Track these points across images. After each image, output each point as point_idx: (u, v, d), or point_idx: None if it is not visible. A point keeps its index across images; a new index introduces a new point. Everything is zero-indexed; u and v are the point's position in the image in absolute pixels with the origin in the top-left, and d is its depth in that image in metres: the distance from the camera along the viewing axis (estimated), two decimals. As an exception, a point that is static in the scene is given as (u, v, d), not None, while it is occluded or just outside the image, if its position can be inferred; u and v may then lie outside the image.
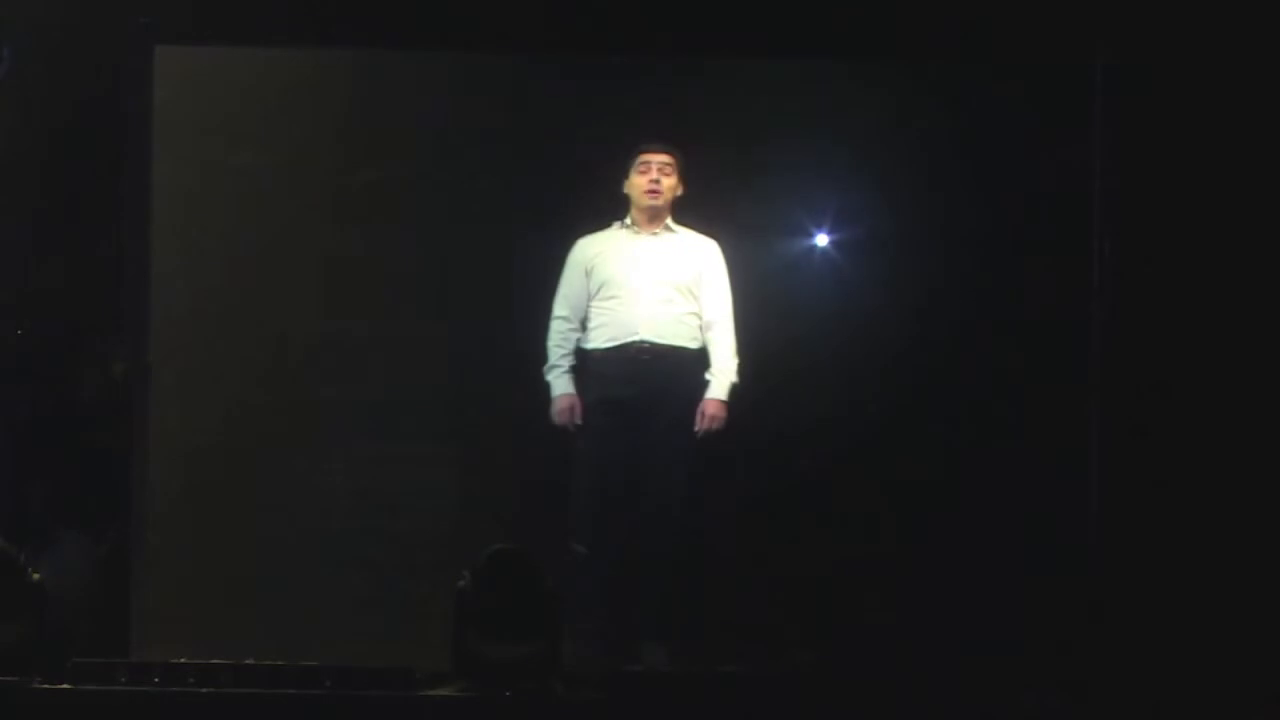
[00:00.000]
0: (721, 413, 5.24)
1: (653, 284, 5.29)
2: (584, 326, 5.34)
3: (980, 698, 4.48)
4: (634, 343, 5.25)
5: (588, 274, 5.34)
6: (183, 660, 4.16)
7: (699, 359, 5.30)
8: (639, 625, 5.19)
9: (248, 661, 4.16)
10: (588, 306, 5.34)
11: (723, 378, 5.27)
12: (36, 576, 4.24)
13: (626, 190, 5.38)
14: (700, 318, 5.30)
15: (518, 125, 5.69)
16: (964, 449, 5.59)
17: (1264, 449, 5.17)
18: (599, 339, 5.30)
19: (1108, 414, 5.36)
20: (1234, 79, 5.21)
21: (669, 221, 5.37)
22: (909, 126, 5.65)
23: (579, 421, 5.26)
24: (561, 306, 5.36)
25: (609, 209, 5.42)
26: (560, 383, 5.31)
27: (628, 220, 5.38)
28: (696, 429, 5.23)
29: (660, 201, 5.32)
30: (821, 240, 5.78)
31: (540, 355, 5.37)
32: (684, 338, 5.28)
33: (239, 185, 5.59)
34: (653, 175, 5.31)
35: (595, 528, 5.18)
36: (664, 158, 5.32)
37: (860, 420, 5.63)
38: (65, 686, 4.11)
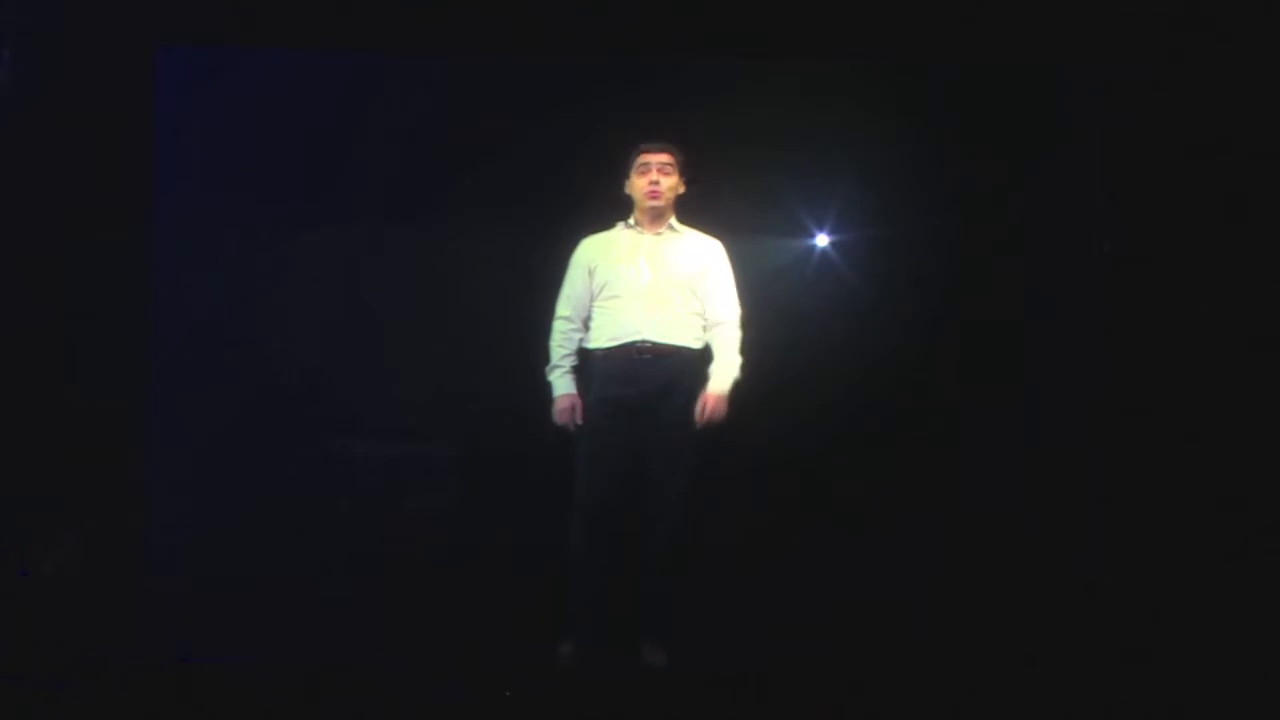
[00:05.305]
0: (722, 406, 5.18)
1: (655, 284, 5.26)
2: (586, 326, 5.34)
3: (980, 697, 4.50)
4: (636, 342, 5.23)
5: (591, 274, 5.33)
6: (184, 660, 4.17)
7: (702, 359, 5.27)
8: (639, 625, 5.19)
9: (250, 661, 4.17)
10: (590, 306, 5.33)
11: (725, 373, 5.23)
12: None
13: (628, 191, 5.37)
14: (704, 318, 5.29)
15: (519, 125, 5.69)
16: (965, 448, 5.60)
17: (1265, 447, 5.19)
18: (601, 339, 5.28)
19: (1109, 413, 5.38)
20: (1233, 78, 5.22)
21: (673, 221, 5.36)
22: (910, 127, 5.66)
23: (579, 421, 5.25)
24: (564, 306, 5.34)
25: (613, 209, 5.42)
26: (562, 383, 5.29)
27: (631, 220, 5.37)
28: (697, 420, 5.20)
29: (661, 202, 5.30)
30: (822, 240, 5.79)
31: (543, 355, 5.36)
32: (687, 338, 5.25)
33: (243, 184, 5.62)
34: (652, 175, 5.29)
35: (595, 528, 5.17)
36: (663, 157, 5.31)
37: (862, 420, 5.64)
38: (65, 686, 4.12)
